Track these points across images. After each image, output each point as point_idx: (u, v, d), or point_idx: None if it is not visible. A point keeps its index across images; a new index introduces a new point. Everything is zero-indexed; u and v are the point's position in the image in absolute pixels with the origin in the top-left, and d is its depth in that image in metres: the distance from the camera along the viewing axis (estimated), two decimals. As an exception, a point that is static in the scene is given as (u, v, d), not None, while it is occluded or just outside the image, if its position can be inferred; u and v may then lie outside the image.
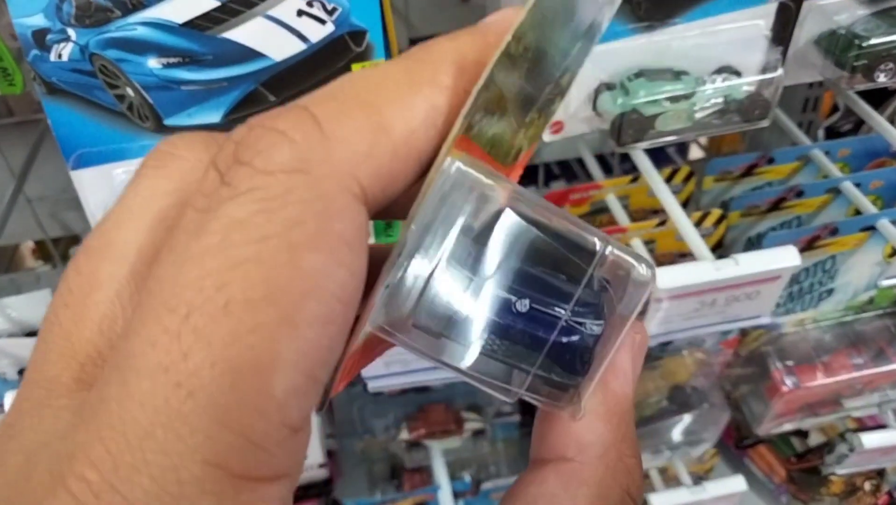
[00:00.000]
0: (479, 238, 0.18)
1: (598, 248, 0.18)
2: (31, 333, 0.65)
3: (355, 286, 0.15)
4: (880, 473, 0.87)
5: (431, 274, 0.18)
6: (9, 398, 0.42)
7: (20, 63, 0.40)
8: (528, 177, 0.85)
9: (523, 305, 0.18)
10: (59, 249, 0.92)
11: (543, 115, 0.22)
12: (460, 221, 0.17)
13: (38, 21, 0.34)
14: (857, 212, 0.62)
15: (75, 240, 0.93)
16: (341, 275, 0.15)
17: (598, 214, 0.68)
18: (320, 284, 0.14)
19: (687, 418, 0.66)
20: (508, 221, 0.18)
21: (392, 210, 0.18)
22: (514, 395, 0.19)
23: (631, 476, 0.20)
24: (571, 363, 0.19)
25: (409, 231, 0.17)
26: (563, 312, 0.19)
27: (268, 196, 0.14)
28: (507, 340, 0.18)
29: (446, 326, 0.18)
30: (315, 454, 0.70)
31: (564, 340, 0.19)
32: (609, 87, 0.47)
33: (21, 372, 0.62)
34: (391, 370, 0.54)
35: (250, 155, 0.15)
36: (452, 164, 0.17)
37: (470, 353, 0.19)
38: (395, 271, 0.17)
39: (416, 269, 0.17)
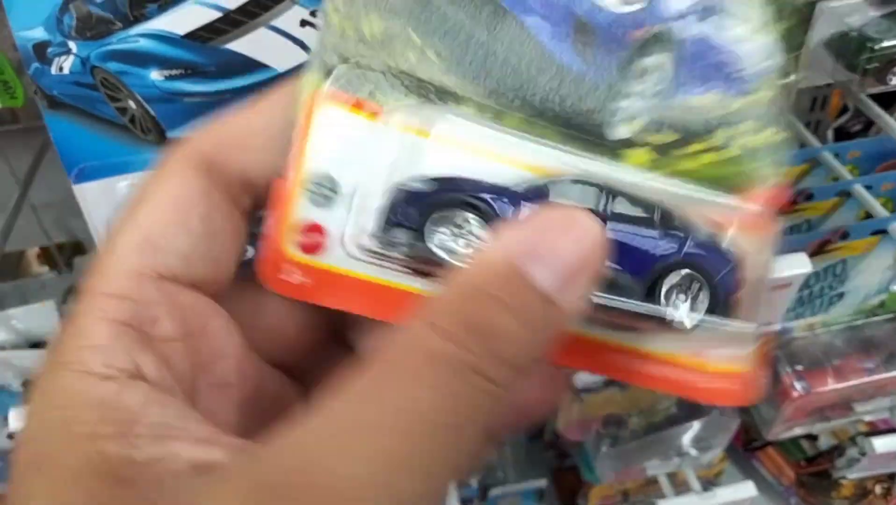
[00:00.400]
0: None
1: None
2: (36, 345, 0.64)
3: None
4: (891, 477, 0.87)
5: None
6: (13, 412, 0.41)
7: (21, 75, 0.40)
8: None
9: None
10: (63, 256, 0.92)
11: (703, 144, 0.22)
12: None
13: (39, 34, 0.34)
14: (868, 215, 0.61)
15: (80, 246, 0.93)
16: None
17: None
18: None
19: (696, 425, 0.66)
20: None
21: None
22: None
23: (489, 337, 0.17)
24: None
25: (330, 177, 0.21)
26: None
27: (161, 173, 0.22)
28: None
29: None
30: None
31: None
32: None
33: (25, 384, 0.61)
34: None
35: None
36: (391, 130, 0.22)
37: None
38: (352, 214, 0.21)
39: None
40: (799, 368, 0.66)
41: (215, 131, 0.21)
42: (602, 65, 0.22)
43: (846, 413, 0.71)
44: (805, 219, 0.65)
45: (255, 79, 0.36)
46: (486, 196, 0.21)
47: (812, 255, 0.59)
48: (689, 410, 0.66)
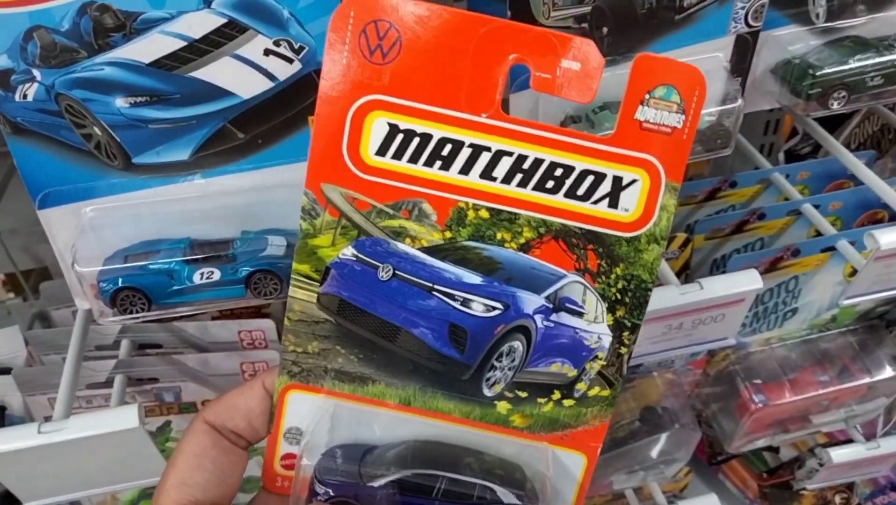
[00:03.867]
0: None
1: None
2: (0, 371, 0.63)
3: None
4: (850, 487, 0.89)
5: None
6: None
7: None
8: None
9: None
10: (29, 282, 0.91)
11: (551, 398, 0.33)
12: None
13: (2, 61, 0.34)
14: (818, 233, 0.64)
15: (47, 272, 0.91)
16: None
17: (568, 239, 0.69)
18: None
19: (659, 439, 0.67)
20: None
21: None
22: None
23: None
24: None
25: (298, 428, 0.35)
26: None
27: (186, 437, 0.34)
28: None
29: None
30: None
31: None
32: (574, 119, 0.48)
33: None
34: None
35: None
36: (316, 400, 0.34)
37: None
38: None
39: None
40: (757, 381, 0.68)
41: (220, 403, 0.34)
42: (471, 351, 0.32)
43: (804, 425, 0.73)
44: (758, 237, 0.67)
45: (219, 106, 0.37)
46: (359, 497, 0.32)
47: (765, 272, 0.61)
48: (652, 424, 0.67)
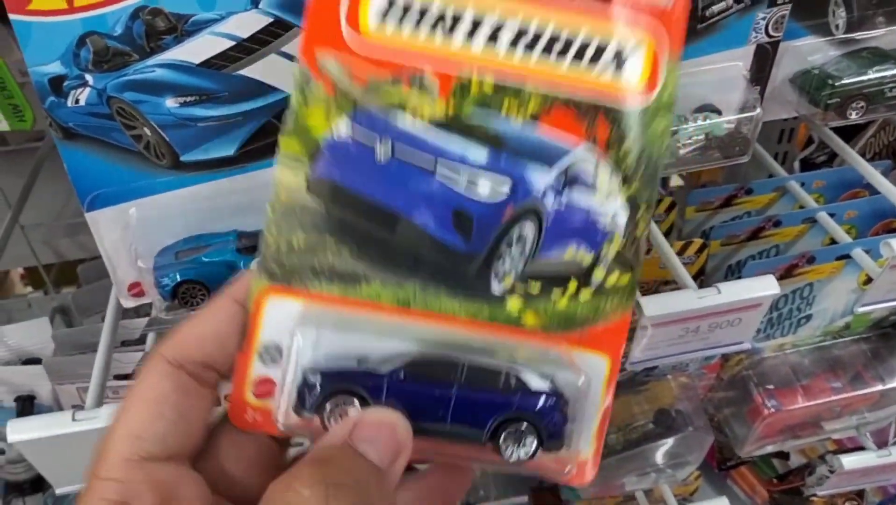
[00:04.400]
0: None
1: None
2: (29, 361, 0.65)
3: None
4: (860, 495, 0.90)
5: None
6: (9, 426, 0.43)
7: (30, 99, 0.41)
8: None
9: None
10: (50, 276, 0.92)
11: (567, 290, 0.30)
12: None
13: (55, 68, 0.36)
14: (833, 241, 0.65)
15: (67, 266, 0.93)
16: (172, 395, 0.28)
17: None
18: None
19: (671, 441, 0.68)
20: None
21: None
22: None
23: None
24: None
25: (277, 344, 0.29)
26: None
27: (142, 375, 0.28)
28: None
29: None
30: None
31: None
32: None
33: (18, 399, 0.62)
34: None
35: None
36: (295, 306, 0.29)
37: None
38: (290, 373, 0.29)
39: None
40: (770, 386, 0.69)
41: (180, 334, 0.28)
42: (478, 240, 0.29)
43: (815, 431, 0.74)
44: (773, 244, 0.68)
45: (265, 101, 0.38)
46: (360, 386, 0.28)
47: (780, 278, 0.62)
48: (665, 426, 0.68)
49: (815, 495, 0.83)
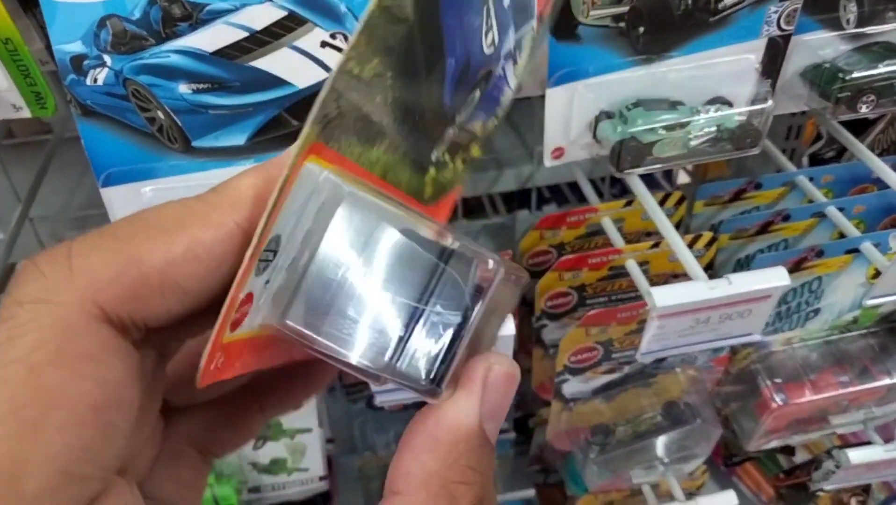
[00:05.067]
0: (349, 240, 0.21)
1: (449, 244, 0.21)
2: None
3: (108, 391, 0.18)
4: (866, 490, 0.90)
5: (306, 271, 0.21)
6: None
7: (52, 87, 0.42)
8: (523, 201, 0.87)
9: (389, 299, 0.21)
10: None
11: (459, 159, 0.26)
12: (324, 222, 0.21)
13: (77, 48, 0.36)
14: (842, 235, 0.65)
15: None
16: (87, 385, 0.18)
17: (594, 237, 0.70)
18: (65, 395, 0.17)
19: (680, 433, 0.68)
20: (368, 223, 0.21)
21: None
22: (383, 380, 0.21)
23: (455, 501, 0.21)
24: (430, 351, 0.21)
25: (279, 236, 0.20)
26: (420, 304, 0.21)
27: (15, 324, 0.17)
28: (378, 331, 0.21)
29: (325, 320, 0.21)
30: (315, 467, 0.71)
31: (423, 327, 0.21)
32: (608, 115, 0.50)
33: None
34: (396, 385, 0.56)
35: (11, 287, 0.18)
36: (321, 173, 0.20)
37: (353, 349, 0.21)
38: (273, 273, 0.20)
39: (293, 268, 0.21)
40: (778, 380, 0.69)
41: (119, 271, 0.19)
42: (458, 98, 0.25)
43: (822, 425, 0.74)
44: (782, 238, 0.68)
45: (276, 94, 0.38)
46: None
47: (789, 272, 0.62)
48: (673, 418, 0.68)
49: (821, 490, 0.83)
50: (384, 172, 0.23)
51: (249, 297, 0.20)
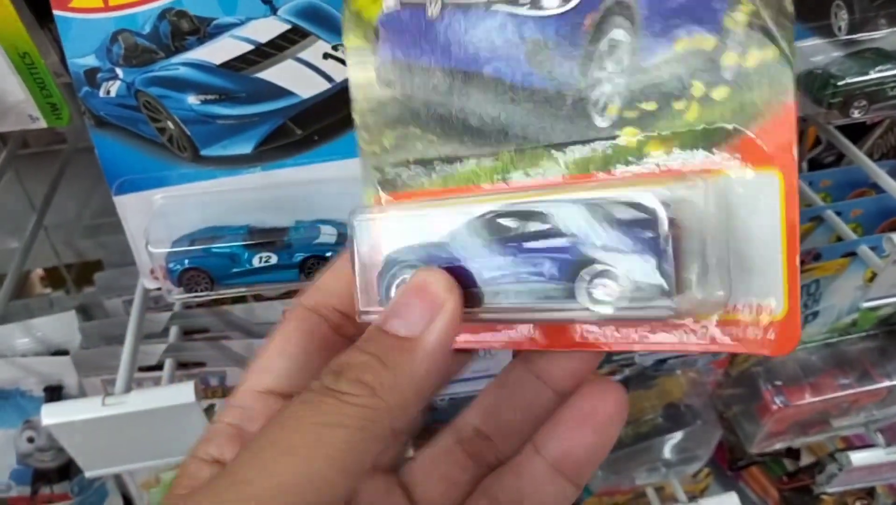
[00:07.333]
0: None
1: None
2: (58, 353, 0.67)
3: None
4: (871, 494, 0.90)
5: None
6: (43, 409, 0.45)
7: (66, 98, 0.44)
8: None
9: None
10: (71, 276, 0.95)
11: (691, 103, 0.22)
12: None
13: (90, 61, 0.38)
14: (839, 238, 0.66)
15: (87, 266, 0.96)
16: None
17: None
18: None
19: (680, 435, 0.69)
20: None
21: None
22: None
23: (338, 376, 0.23)
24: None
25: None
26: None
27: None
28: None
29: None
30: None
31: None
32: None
33: (46, 389, 0.64)
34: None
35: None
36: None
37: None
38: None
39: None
40: (778, 383, 0.70)
41: (320, 280, 0.29)
42: (563, 69, 0.23)
43: (824, 428, 0.75)
44: (781, 242, 0.69)
45: (281, 104, 0.40)
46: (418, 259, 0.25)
47: (787, 274, 0.63)
48: (674, 420, 0.69)
49: (825, 494, 0.84)
50: (502, 172, 0.25)
51: None
